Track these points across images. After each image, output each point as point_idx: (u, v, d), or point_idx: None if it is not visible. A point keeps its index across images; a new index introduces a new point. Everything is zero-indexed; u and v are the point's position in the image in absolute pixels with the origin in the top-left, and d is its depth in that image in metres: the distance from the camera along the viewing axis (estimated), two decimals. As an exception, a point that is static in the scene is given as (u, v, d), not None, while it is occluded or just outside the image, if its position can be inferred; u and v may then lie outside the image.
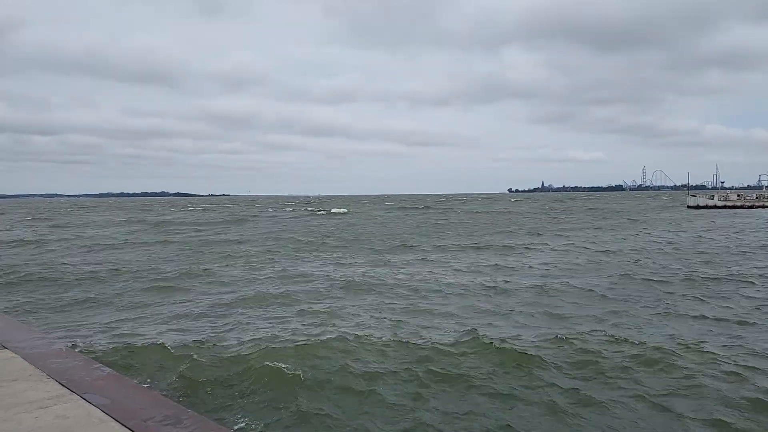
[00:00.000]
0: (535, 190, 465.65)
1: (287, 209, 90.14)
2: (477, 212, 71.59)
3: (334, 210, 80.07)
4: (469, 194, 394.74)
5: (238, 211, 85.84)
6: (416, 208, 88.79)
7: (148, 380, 7.60)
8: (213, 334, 10.31)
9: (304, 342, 9.35)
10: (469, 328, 10.46)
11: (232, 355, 8.75)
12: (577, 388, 7.49)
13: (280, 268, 19.39)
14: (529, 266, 19.54)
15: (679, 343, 9.39)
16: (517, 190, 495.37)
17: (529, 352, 8.78)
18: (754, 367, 8.21)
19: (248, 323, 11.23)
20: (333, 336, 9.72)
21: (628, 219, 49.43)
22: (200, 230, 42.51)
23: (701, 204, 71.72)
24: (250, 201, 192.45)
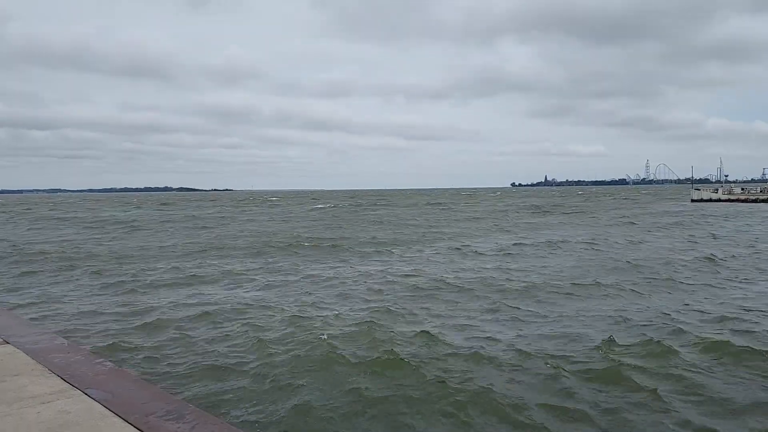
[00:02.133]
0: (538, 184, 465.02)
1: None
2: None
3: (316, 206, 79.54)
4: (472, 189, 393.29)
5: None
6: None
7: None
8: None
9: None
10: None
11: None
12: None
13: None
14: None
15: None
16: (520, 185, 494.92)
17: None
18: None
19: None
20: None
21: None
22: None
23: (705, 198, 71.57)
24: (236, 197, 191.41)
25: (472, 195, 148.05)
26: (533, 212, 54.71)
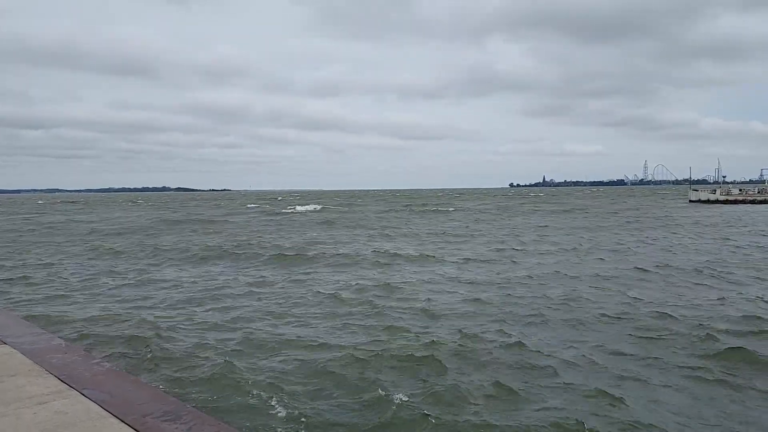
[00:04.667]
0: (536, 184, 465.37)
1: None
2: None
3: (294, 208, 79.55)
4: (470, 189, 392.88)
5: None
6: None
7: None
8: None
9: None
10: None
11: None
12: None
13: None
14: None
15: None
16: (518, 185, 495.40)
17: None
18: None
19: None
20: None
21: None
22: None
23: (703, 198, 71.79)
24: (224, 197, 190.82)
25: (453, 197, 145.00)
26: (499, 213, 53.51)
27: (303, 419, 6.48)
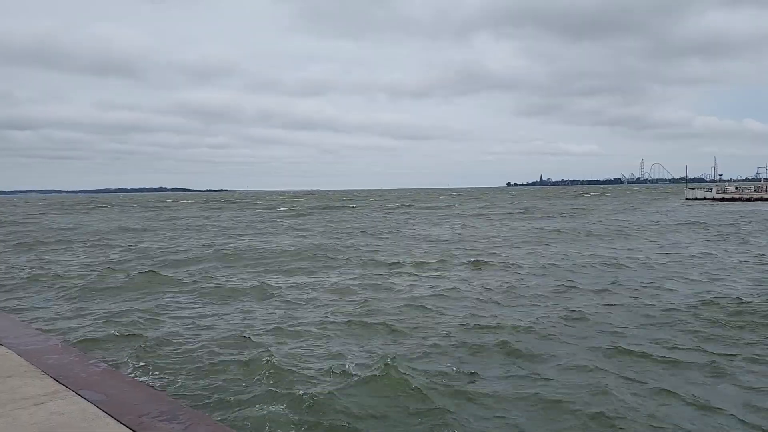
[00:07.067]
0: (533, 183, 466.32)
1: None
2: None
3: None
4: (467, 189, 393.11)
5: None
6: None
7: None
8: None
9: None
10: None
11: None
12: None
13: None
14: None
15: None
16: (515, 184, 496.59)
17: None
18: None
19: None
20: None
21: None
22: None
23: (699, 197, 72.15)
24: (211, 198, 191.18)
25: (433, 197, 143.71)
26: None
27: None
